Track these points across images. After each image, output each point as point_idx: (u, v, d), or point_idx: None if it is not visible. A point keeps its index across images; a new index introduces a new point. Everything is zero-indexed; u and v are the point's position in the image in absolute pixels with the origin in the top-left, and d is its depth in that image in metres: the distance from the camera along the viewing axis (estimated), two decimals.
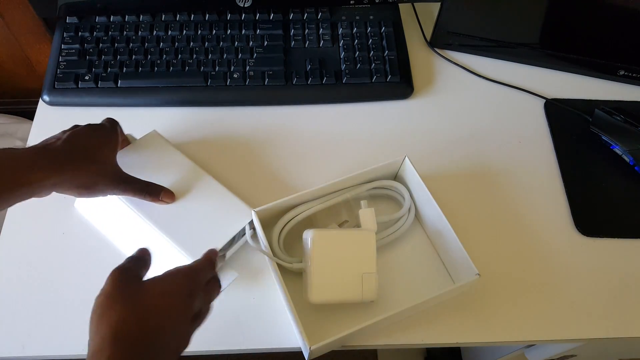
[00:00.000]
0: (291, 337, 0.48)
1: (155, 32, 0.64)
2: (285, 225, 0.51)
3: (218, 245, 0.48)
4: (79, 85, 0.61)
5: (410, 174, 0.53)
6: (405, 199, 0.54)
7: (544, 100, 0.66)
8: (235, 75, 0.62)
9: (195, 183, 0.52)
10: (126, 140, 0.54)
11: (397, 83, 0.64)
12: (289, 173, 0.58)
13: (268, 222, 0.52)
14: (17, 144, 0.99)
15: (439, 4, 0.67)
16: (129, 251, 0.42)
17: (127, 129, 0.61)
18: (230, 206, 0.51)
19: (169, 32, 0.65)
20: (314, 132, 0.62)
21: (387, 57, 0.65)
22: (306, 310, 0.48)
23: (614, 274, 0.54)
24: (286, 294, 0.45)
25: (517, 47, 0.68)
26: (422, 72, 0.68)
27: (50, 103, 0.61)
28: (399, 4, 0.70)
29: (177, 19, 0.66)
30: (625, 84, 0.68)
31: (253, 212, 0.49)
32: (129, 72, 0.62)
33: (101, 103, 0.61)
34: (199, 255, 0.44)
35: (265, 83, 0.62)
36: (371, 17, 0.68)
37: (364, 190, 0.54)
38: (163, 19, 0.66)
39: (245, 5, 0.66)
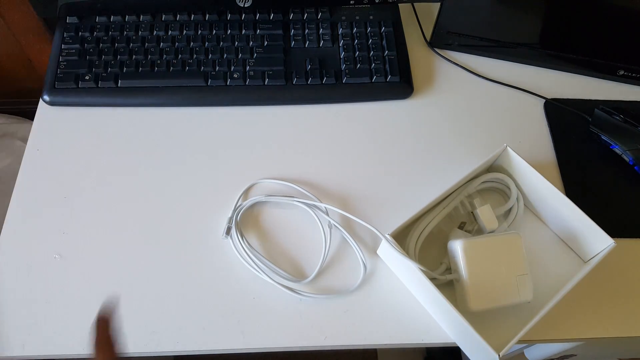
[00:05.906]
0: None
1: (155, 32, 0.64)
2: (417, 240, 0.52)
3: None
4: (79, 85, 0.61)
5: (513, 162, 0.54)
6: (512, 188, 0.55)
7: (544, 100, 0.66)
8: (235, 75, 0.62)
9: None
10: None
11: (397, 83, 0.64)
12: (289, 172, 0.58)
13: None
14: (18, 144, 0.99)
15: (439, 4, 0.67)
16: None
17: (127, 128, 0.61)
18: None
19: (169, 32, 0.65)
20: (314, 131, 0.62)
21: (387, 57, 0.65)
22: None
23: (614, 273, 0.54)
24: (456, 309, 0.45)
25: (517, 47, 0.68)
26: (422, 72, 0.68)
27: (51, 103, 0.61)
28: (399, 4, 0.70)
29: (177, 19, 0.66)
30: (625, 84, 0.68)
31: (387, 237, 0.48)
32: (129, 72, 0.62)
33: (101, 103, 0.61)
34: None
35: (265, 83, 0.62)
36: (371, 17, 0.68)
37: (473, 188, 0.55)
38: (163, 19, 0.66)
39: (245, 5, 0.66)
